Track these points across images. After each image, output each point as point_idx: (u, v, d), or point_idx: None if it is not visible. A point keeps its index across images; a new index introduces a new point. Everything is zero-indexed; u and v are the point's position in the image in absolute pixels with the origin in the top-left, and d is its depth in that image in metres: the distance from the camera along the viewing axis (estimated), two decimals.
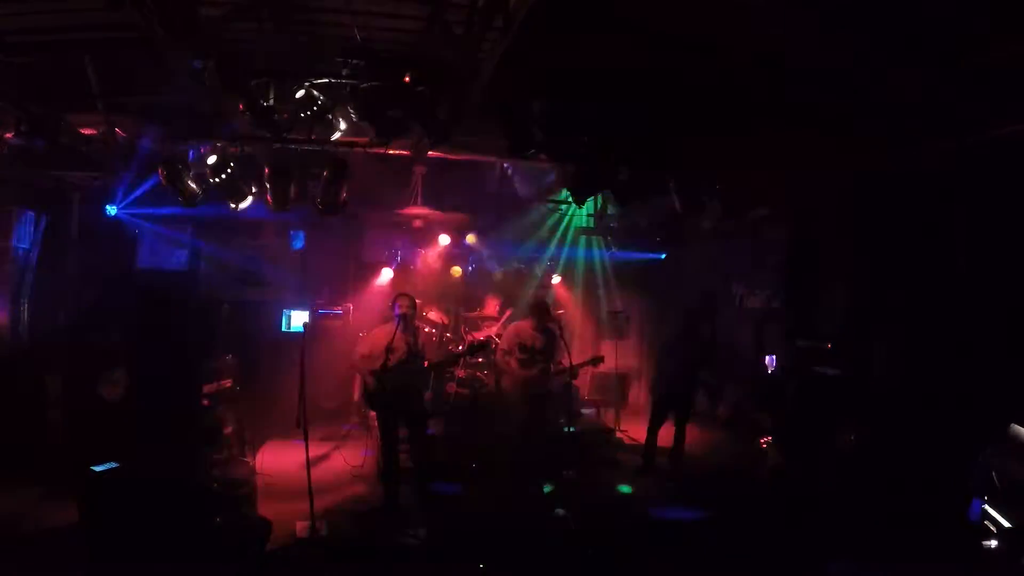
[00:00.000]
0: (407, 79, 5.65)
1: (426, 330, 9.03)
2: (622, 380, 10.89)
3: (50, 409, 7.05)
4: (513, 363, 7.55)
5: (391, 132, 6.14)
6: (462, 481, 7.14)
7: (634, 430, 9.68)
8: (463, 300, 11.10)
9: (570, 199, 9.25)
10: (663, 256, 11.43)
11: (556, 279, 11.55)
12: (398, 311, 6.77)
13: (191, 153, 7.13)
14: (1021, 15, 4.56)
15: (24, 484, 6.40)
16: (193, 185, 7.04)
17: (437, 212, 9.80)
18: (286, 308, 10.06)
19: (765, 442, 8.10)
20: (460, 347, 9.18)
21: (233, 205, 7.41)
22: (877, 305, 7.53)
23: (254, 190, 7.33)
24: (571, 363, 7.57)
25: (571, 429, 8.46)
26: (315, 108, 6.04)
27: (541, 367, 7.60)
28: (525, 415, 7.56)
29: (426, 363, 6.89)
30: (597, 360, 8.84)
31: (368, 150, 7.18)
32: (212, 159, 6.88)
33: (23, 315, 8.42)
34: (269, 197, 7.25)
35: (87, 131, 6.95)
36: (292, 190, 7.27)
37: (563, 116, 6.42)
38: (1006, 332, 5.97)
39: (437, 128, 6.07)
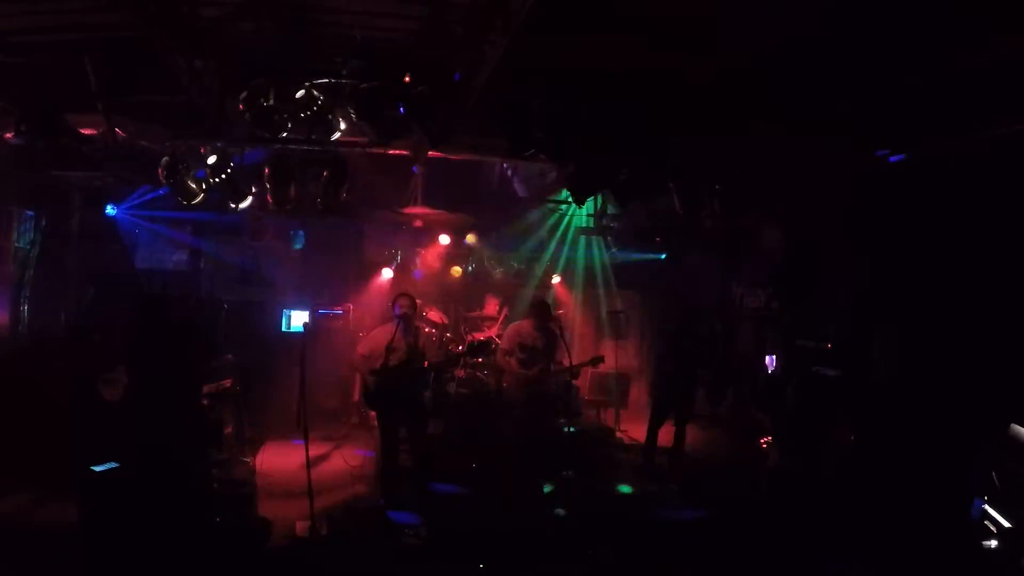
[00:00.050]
0: (407, 79, 5.65)
1: (426, 330, 9.03)
2: (622, 380, 10.89)
3: (50, 409, 7.04)
4: (513, 363, 7.55)
5: (391, 132, 6.14)
6: (462, 481, 7.13)
7: (634, 430, 9.68)
8: (463, 300, 11.10)
9: (570, 199, 9.24)
10: (663, 256, 11.43)
11: (556, 279, 11.55)
12: (398, 311, 6.77)
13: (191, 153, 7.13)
14: (1020, 15, 4.56)
15: (24, 484, 6.39)
16: (193, 185, 7.04)
17: (437, 212, 9.80)
18: (286, 308, 10.07)
19: (765, 442, 8.09)
20: (460, 347, 9.18)
21: (233, 205, 7.41)
22: (877, 305, 7.53)
23: (254, 190, 7.32)
24: (571, 363, 7.57)
25: (571, 429, 8.46)
26: (315, 108, 6.05)
27: (541, 367, 7.60)
28: (525, 415, 7.56)
29: (426, 363, 6.89)
30: (597, 360, 8.84)
31: (368, 150, 7.18)
32: (212, 159, 6.88)
33: (23, 315, 8.43)
34: (269, 197, 7.24)
35: (87, 131, 6.95)
36: (292, 190, 7.27)
37: (563, 116, 6.42)
38: (1006, 332, 5.97)
39: (437, 128, 6.06)
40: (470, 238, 10.69)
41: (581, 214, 10.97)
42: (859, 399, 7.27)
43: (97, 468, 5.13)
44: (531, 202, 10.57)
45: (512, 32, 5.04)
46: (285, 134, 6.35)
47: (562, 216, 11.06)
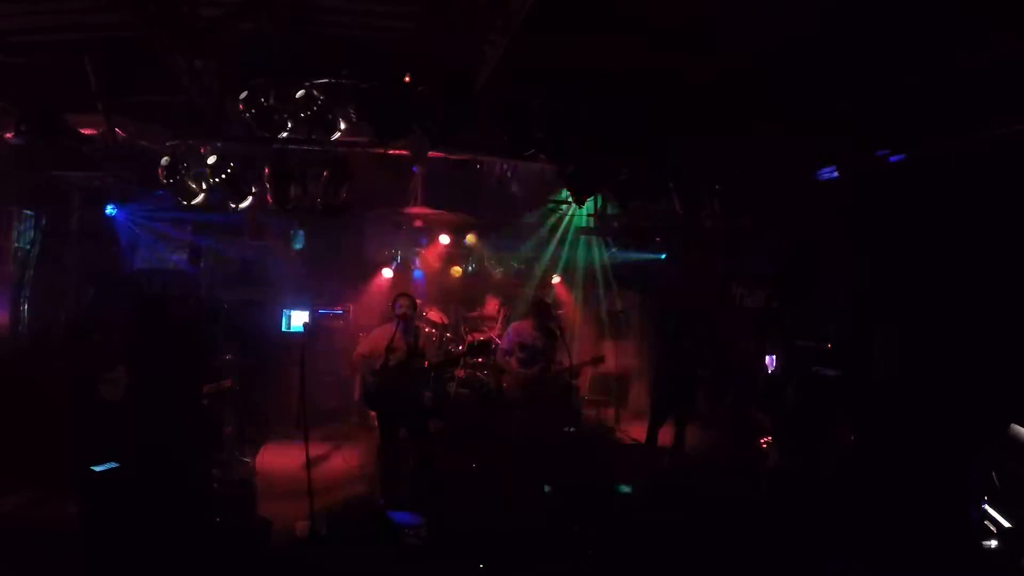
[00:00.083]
0: (407, 79, 5.65)
1: (426, 330, 9.03)
2: (622, 380, 10.88)
3: (50, 409, 7.04)
4: (513, 363, 7.56)
5: (391, 132, 6.14)
6: (462, 481, 7.13)
7: (634, 430, 9.67)
8: (463, 300, 11.10)
9: (570, 199, 9.24)
10: (663, 256, 11.42)
11: (556, 279, 11.55)
12: (398, 311, 6.77)
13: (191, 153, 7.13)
14: (1020, 15, 4.55)
15: (24, 484, 6.39)
16: (193, 185, 7.04)
17: (437, 212, 9.79)
18: (286, 308, 10.06)
19: (765, 442, 8.09)
20: (460, 347, 9.18)
21: (233, 205, 7.41)
22: (877, 305, 7.52)
23: (254, 190, 7.32)
24: (571, 363, 7.57)
25: (571, 429, 8.46)
26: (315, 108, 6.04)
27: (541, 367, 7.60)
28: (525, 415, 7.56)
29: (426, 363, 6.89)
30: (597, 360, 8.84)
31: (368, 150, 7.18)
32: (212, 159, 6.88)
33: (23, 315, 8.43)
34: (269, 197, 7.24)
35: (87, 131, 6.95)
36: (292, 190, 7.26)
37: (563, 116, 6.42)
38: (1006, 332, 5.96)
39: (437, 128, 6.07)
40: (470, 238, 10.68)
41: (581, 214, 10.97)
42: (859, 399, 7.27)
43: (97, 468, 5.13)
44: (531, 202, 10.56)
45: (512, 32, 5.04)
46: (285, 134, 6.35)
47: (562, 216, 11.06)
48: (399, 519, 5.88)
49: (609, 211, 10.53)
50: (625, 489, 7.50)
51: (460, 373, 8.89)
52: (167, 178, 6.89)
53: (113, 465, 5.18)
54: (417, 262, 11.01)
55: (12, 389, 7.19)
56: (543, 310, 7.81)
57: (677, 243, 10.69)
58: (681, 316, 8.80)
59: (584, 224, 11.08)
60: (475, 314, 10.64)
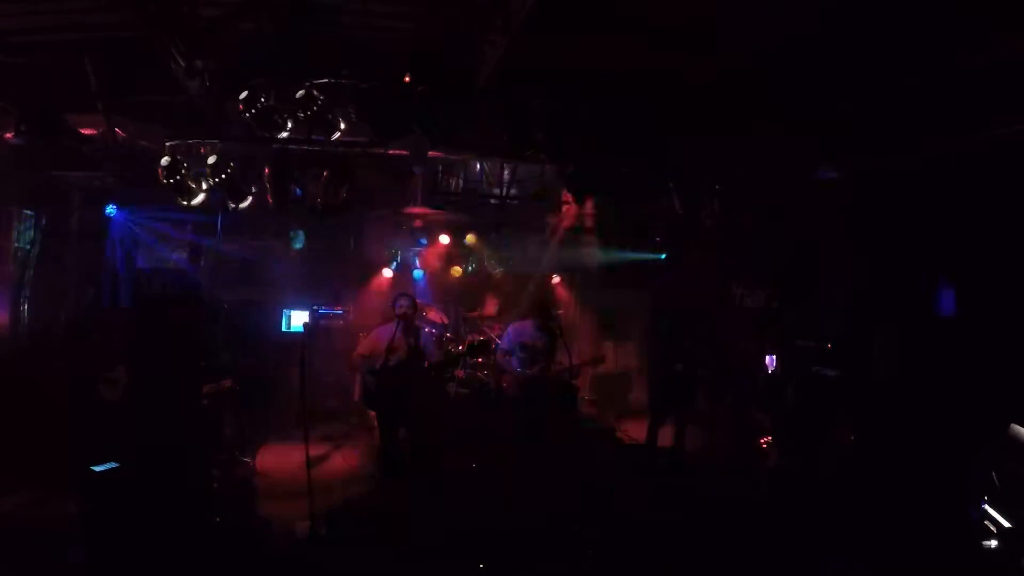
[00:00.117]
0: (407, 79, 5.66)
1: (426, 330, 9.04)
2: (622, 380, 10.88)
3: (50, 409, 7.04)
4: (514, 363, 7.55)
5: (391, 132, 6.15)
6: (462, 481, 7.13)
7: (634, 430, 9.67)
8: (463, 300, 11.10)
9: (570, 199, 9.25)
10: (663, 256, 11.43)
11: (556, 279, 11.54)
12: (398, 311, 6.77)
13: (191, 153, 7.13)
14: (1020, 15, 4.56)
15: (24, 484, 6.39)
16: (193, 185, 7.04)
17: (437, 212, 9.80)
18: (286, 308, 10.06)
19: (765, 442, 8.09)
20: (460, 347, 9.18)
21: (233, 205, 7.41)
22: (877, 305, 7.53)
23: (254, 190, 7.32)
24: (571, 363, 7.56)
25: (571, 429, 8.45)
26: (315, 108, 6.05)
27: (541, 367, 7.59)
28: (525, 415, 7.56)
29: (427, 363, 6.88)
30: (597, 360, 8.84)
31: (368, 150, 7.18)
32: (212, 159, 6.88)
33: (23, 315, 8.43)
34: (269, 197, 7.25)
35: (87, 131, 6.95)
36: (292, 190, 7.27)
37: (563, 116, 6.43)
38: (1006, 332, 5.97)
39: (437, 128, 6.07)
40: (470, 238, 10.68)
41: (581, 214, 10.97)
42: (859, 399, 7.27)
43: (97, 468, 5.13)
44: (530, 202, 10.57)
45: (512, 32, 5.04)
46: (285, 134, 6.35)
47: (561, 216, 11.06)
48: (398, 518, 5.87)
49: (609, 211, 10.54)
50: (623, 487, 7.50)
51: (460, 373, 8.89)
52: (167, 178, 6.89)
53: (113, 465, 5.18)
54: (417, 262, 11.01)
55: (12, 389, 7.20)
56: (543, 310, 7.80)
57: (677, 243, 10.69)
58: (680, 316, 8.79)
59: (583, 224, 11.08)
60: (475, 314, 10.64)
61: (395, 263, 10.87)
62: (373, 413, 7.43)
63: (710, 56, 5.89)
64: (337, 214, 7.65)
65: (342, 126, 6.39)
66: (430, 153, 7.39)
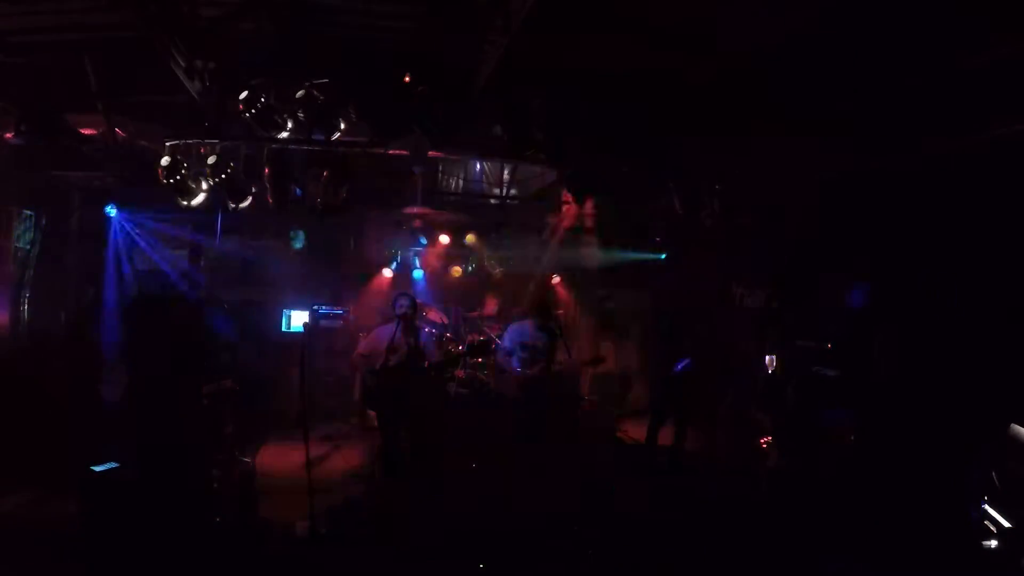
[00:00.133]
0: (407, 79, 5.66)
1: (426, 330, 9.05)
2: (622, 380, 10.87)
3: (50, 409, 7.04)
4: (514, 363, 7.55)
5: (391, 132, 6.15)
6: (462, 481, 7.13)
7: (634, 430, 9.67)
8: (463, 300, 11.10)
9: (570, 199, 9.25)
10: (663, 256, 11.43)
11: (556, 279, 11.54)
12: (398, 311, 6.77)
13: (191, 153, 7.14)
14: (1020, 15, 4.56)
15: (25, 484, 6.39)
16: (193, 185, 7.04)
17: (437, 212, 9.80)
18: (286, 308, 10.06)
19: (765, 442, 8.09)
20: (460, 347, 9.18)
21: (233, 205, 7.41)
22: (877, 305, 7.53)
23: (254, 190, 7.32)
24: (571, 359, 7.55)
25: (571, 429, 8.45)
26: (315, 108, 6.05)
27: (541, 367, 7.59)
28: (525, 415, 7.56)
29: (427, 363, 6.88)
30: (597, 361, 8.84)
31: (368, 150, 7.18)
32: (212, 159, 6.88)
33: (23, 315, 8.43)
34: (269, 197, 7.25)
35: (87, 131, 6.96)
36: (292, 190, 7.27)
37: (563, 116, 6.43)
38: (1006, 332, 5.97)
39: (437, 128, 6.07)
40: (470, 238, 10.69)
41: (580, 214, 10.97)
42: (859, 399, 7.27)
43: (97, 468, 5.13)
44: (529, 201, 10.58)
45: (512, 32, 5.04)
46: (285, 134, 6.35)
47: (561, 216, 11.06)
48: (399, 518, 5.88)
49: (609, 211, 10.53)
50: (622, 488, 7.51)
51: (460, 373, 8.89)
52: (167, 178, 6.89)
53: (113, 465, 5.18)
54: (417, 262, 11.01)
55: (12, 389, 7.20)
56: (544, 310, 7.80)
57: (677, 243, 10.69)
58: (680, 316, 8.79)
59: (584, 224, 11.08)
60: (475, 314, 10.64)
61: (395, 263, 10.88)
62: (373, 413, 7.43)
63: (710, 56, 5.89)
64: (337, 214, 7.65)
65: (342, 126, 6.38)
66: (430, 153, 7.40)
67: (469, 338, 9.52)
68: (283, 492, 6.59)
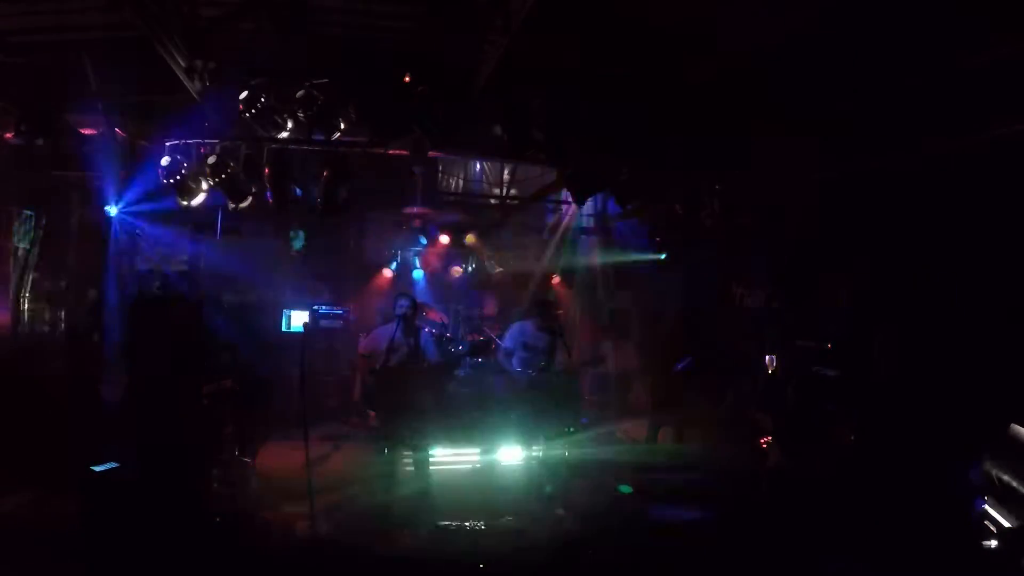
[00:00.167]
0: (407, 79, 5.66)
1: (426, 330, 9.05)
2: (622, 380, 10.87)
3: (50, 409, 7.05)
4: (514, 363, 7.55)
5: (391, 132, 6.15)
6: (462, 481, 7.13)
7: (634, 430, 9.68)
8: (463, 300, 11.10)
9: (570, 199, 9.25)
10: (663, 256, 11.43)
11: (556, 279, 11.54)
12: (398, 311, 6.77)
13: (191, 153, 7.13)
14: (1020, 15, 4.56)
15: (25, 484, 6.39)
16: (193, 185, 7.04)
17: (437, 212, 9.81)
18: (286, 308, 10.05)
19: (765, 442, 8.09)
20: (460, 347, 9.18)
21: (233, 205, 7.41)
22: (877, 305, 7.53)
23: (254, 190, 7.32)
24: (571, 358, 7.54)
25: (571, 429, 8.44)
26: (315, 108, 6.05)
27: (542, 367, 7.59)
28: (525, 415, 7.55)
29: (427, 363, 6.88)
30: (598, 361, 8.84)
31: (368, 150, 7.18)
32: (212, 159, 6.88)
33: (23, 315, 8.43)
34: (269, 197, 7.24)
35: (87, 131, 6.95)
36: (292, 190, 7.27)
37: (563, 116, 6.43)
38: (1006, 332, 5.97)
39: (437, 128, 6.07)
40: (470, 238, 10.69)
41: (581, 214, 10.97)
42: (859, 399, 7.27)
43: (97, 468, 5.13)
44: (530, 202, 10.58)
45: (512, 32, 5.04)
46: (285, 134, 6.34)
47: (561, 216, 11.07)
48: (399, 518, 5.87)
49: (609, 211, 10.55)
50: (626, 489, 7.50)
51: (459, 373, 8.89)
52: (167, 178, 6.89)
53: (113, 465, 5.18)
54: (417, 262, 11.02)
55: (12, 389, 7.20)
56: (545, 310, 7.80)
57: (677, 243, 10.69)
58: (681, 316, 8.80)
59: (584, 224, 11.09)
60: (475, 314, 10.64)
61: (395, 263, 10.87)
62: (373, 413, 7.42)
63: (710, 56, 5.89)
64: (337, 214, 7.65)
65: (342, 126, 6.38)
66: (430, 153, 7.40)
67: (469, 338, 9.52)
68: (283, 492, 6.59)
